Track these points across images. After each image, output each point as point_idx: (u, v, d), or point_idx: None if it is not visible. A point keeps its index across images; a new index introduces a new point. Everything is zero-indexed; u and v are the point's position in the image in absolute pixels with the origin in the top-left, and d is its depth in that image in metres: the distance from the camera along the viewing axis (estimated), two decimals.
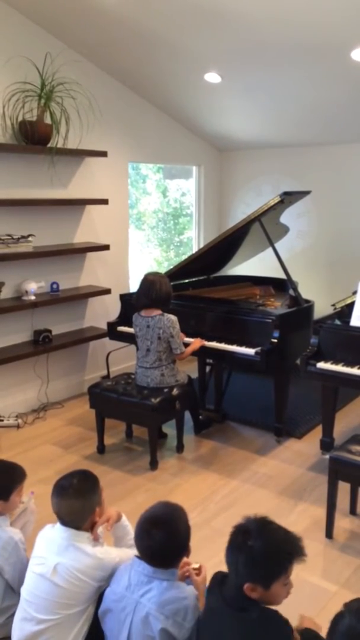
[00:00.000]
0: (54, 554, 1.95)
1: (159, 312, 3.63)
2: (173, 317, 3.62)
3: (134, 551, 1.93)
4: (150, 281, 3.66)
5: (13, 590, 2.12)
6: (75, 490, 2.00)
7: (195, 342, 3.85)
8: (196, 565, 2.03)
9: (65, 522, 2.00)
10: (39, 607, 1.91)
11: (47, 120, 4.10)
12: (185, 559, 1.91)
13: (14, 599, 2.06)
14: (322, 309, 4.06)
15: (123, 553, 2.03)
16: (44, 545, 2.00)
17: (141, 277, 3.73)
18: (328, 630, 1.46)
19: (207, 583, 2.01)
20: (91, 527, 2.04)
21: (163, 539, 1.81)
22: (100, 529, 2.07)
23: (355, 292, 3.87)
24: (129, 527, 2.21)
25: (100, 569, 1.95)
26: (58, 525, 2.02)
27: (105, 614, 1.89)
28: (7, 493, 2.20)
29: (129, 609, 1.81)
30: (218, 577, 1.77)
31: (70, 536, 1.97)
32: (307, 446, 3.94)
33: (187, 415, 3.98)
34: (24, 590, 1.98)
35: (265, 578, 1.62)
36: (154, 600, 1.78)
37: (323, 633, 1.68)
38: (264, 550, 1.62)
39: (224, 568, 1.71)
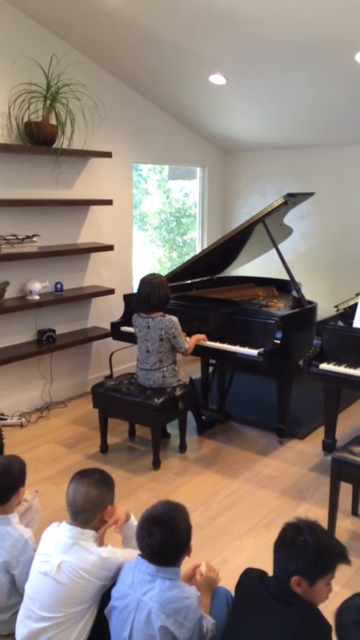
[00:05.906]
0: (58, 552, 1.96)
1: (160, 313, 3.64)
2: (174, 318, 3.64)
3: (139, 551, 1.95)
4: (148, 286, 3.64)
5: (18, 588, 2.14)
6: (96, 480, 2.07)
7: (198, 335, 3.87)
8: (203, 568, 2.05)
9: (77, 512, 2.01)
10: (42, 604, 1.92)
11: (53, 121, 4.12)
12: (196, 563, 1.93)
13: (20, 597, 2.08)
14: (325, 311, 4.07)
15: (128, 553, 2.04)
16: (49, 544, 2.02)
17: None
18: (334, 625, 1.51)
19: (218, 583, 2.03)
20: (99, 526, 2.06)
21: (163, 537, 1.83)
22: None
23: (358, 294, 3.89)
24: None
25: (105, 568, 1.96)
26: (64, 523, 2.04)
27: (110, 611, 1.91)
28: (5, 497, 2.23)
29: (132, 607, 1.83)
30: (255, 573, 1.83)
31: (75, 535, 1.99)
32: (310, 447, 3.95)
33: (190, 415, 4.00)
34: (28, 588, 1.99)
35: (313, 573, 1.68)
36: (155, 598, 1.80)
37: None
38: (316, 546, 1.68)
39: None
